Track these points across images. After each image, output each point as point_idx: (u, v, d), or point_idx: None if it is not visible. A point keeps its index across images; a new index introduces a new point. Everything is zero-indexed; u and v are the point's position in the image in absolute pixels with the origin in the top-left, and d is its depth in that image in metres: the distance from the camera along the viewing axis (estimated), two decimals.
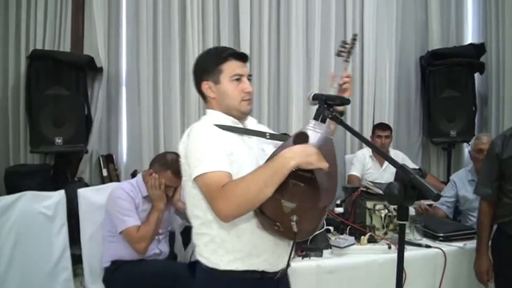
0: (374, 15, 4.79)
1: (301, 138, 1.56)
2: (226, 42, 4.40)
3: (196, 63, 1.78)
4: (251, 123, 1.82)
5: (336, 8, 4.75)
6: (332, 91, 1.75)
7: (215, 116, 1.72)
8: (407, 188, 1.23)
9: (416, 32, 5.06)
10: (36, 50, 3.88)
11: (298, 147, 1.50)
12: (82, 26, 4.17)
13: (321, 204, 1.49)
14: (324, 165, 1.46)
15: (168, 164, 2.82)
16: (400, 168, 1.26)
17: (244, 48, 4.41)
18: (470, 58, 4.69)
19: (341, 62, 1.88)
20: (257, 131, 1.74)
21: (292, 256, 1.66)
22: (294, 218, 1.46)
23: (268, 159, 1.53)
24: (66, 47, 4.09)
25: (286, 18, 4.58)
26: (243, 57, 1.73)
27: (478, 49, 4.72)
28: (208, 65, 1.71)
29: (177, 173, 2.80)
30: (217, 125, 1.64)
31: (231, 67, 1.68)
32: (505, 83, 4.64)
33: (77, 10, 4.13)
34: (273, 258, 1.63)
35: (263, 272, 1.63)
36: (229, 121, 1.70)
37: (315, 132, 1.55)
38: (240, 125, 1.71)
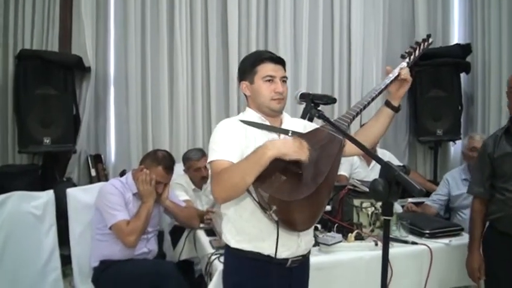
0: (361, 16, 4.83)
1: (305, 136, 1.69)
2: (214, 41, 4.42)
3: (239, 65, 1.98)
4: (287, 120, 1.94)
5: (324, 9, 4.77)
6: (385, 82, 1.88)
7: (247, 113, 1.90)
8: (392, 184, 1.26)
9: (402, 33, 5.10)
10: (24, 50, 3.88)
11: (280, 140, 1.67)
12: (70, 25, 4.16)
13: (293, 198, 1.55)
14: (303, 157, 1.56)
15: (159, 160, 2.86)
16: (385, 165, 1.29)
17: (232, 48, 4.44)
18: (456, 58, 4.75)
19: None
20: (280, 128, 1.86)
21: (304, 246, 1.83)
22: (273, 207, 1.56)
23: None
24: (54, 46, 4.09)
25: (274, 18, 4.59)
26: (278, 61, 1.89)
27: (464, 49, 4.77)
28: (247, 66, 1.90)
29: (168, 169, 2.84)
30: (242, 121, 1.84)
31: (265, 69, 1.84)
32: (490, 82, 4.69)
33: (65, 10, 4.13)
34: (277, 246, 1.74)
35: (269, 256, 1.76)
36: (257, 118, 1.86)
37: (325, 131, 1.68)
38: (267, 122, 1.86)
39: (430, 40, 2.09)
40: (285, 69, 1.91)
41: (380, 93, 1.90)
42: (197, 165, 3.47)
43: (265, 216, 1.70)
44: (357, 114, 1.85)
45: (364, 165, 3.73)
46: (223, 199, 1.74)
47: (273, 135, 1.83)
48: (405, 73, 1.89)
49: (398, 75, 1.89)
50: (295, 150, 1.56)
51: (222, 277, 1.96)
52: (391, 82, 1.90)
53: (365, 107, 1.87)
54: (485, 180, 2.48)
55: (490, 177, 2.46)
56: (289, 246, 1.79)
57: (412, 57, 1.99)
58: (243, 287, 1.86)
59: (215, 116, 4.49)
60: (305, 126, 1.93)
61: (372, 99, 1.88)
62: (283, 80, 1.87)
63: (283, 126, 1.89)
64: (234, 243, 1.84)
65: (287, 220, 1.64)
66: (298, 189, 1.56)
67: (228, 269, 1.92)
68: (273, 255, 1.75)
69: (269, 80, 1.83)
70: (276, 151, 1.56)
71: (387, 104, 1.94)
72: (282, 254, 1.78)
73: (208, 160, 1.77)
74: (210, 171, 1.80)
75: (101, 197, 2.79)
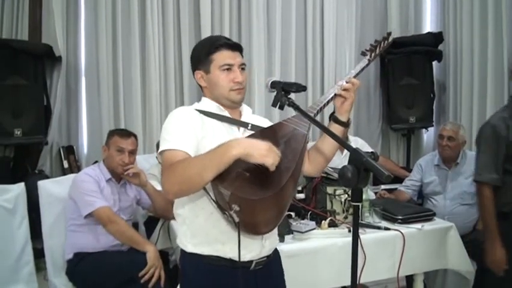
0: (334, 4, 4.83)
1: (268, 131, 1.62)
2: (186, 32, 4.37)
3: (191, 53, 1.83)
4: (247, 112, 1.83)
5: None
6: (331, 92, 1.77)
7: (204, 103, 1.78)
8: (360, 170, 1.27)
9: (375, 20, 5.14)
10: None
11: (247, 139, 1.51)
12: (40, 14, 4.06)
13: (258, 196, 1.44)
14: (268, 162, 1.42)
15: (111, 132, 2.97)
16: (353, 151, 1.30)
17: (205, 36, 4.40)
18: (429, 46, 4.80)
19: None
20: (240, 121, 1.76)
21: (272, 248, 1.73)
22: (235, 207, 1.44)
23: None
24: (24, 35, 3.99)
25: (247, 6, 4.56)
26: (235, 47, 1.75)
27: (436, 38, 4.83)
28: (201, 54, 1.75)
29: (121, 134, 2.91)
30: (198, 110, 1.70)
31: (222, 57, 1.71)
32: (462, 70, 4.76)
33: None
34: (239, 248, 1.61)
35: (231, 260, 1.64)
36: (215, 108, 1.74)
37: (288, 125, 1.60)
38: (226, 113, 1.74)
39: (390, 38, 2.01)
40: (242, 55, 1.78)
41: (321, 109, 1.75)
42: None
43: (223, 217, 1.58)
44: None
45: (338, 153, 3.76)
46: (175, 193, 1.58)
47: (233, 127, 1.73)
48: (347, 88, 1.75)
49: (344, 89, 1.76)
50: (262, 154, 1.41)
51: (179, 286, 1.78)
52: (333, 97, 1.77)
53: (314, 115, 1.69)
54: (499, 165, 2.38)
55: (505, 161, 2.35)
56: (253, 248, 1.67)
57: (373, 54, 1.93)
58: None
59: (188, 105, 4.45)
60: (265, 122, 1.84)
61: (320, 109, 1.74)
62: (242, 67, 1.75)
63: (243, 119, 1.78)
64: (190, 248, 1.68)
65: (250, 222, 1.52)
66: (262, 187, 1.45)
67: (187, 278, 1.74)
68: (236, 259, 1.61)
69: (227, 69, 1.71)
70: (241, 151, 1.41)
71: (335, 120, 1.79)
72: (245, 256, 1.65)
73: (160, 149, 1.61)
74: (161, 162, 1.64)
75: (75, 186, 2.77)
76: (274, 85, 1.69)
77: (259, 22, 4.58)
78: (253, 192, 1.44)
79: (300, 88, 1.66)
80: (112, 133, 2.93)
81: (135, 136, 2.93)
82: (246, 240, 1.61)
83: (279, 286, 1.86)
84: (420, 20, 5.24)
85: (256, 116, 1.90)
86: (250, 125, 1.73)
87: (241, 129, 1.74)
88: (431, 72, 4.91)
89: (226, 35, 4.43)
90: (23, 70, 3.76)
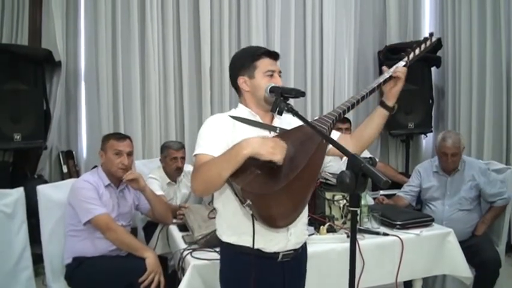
0: (333, 10, 4.87)
1: (289, 133, 1.74)
2: (186, 36, 4.40)
3: (232, 61, 1.96)
4: (286, 116, 1.91)
5: (296, 3, 4.81)
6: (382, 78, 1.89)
7: (238, 109, 1.93)
8: (358, 176, 1.27)
9: (374, 27, 5.17)
10: None
11: (257, 138, 1.63)
12: (40, 19, 4.10)
13: (263, 191, 1.56)
14: (276, 158, 1.57)
15: (105, 136, 2.96)
16: (351, 157, 1.30)
17: (204, 42, 4.43)
18: (427, 52, 4.80)
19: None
20: (268, 125, 1.87)
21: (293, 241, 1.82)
22: (248, 201, 1.57)
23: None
24: (23, 40, 4.01)
25: (246, 12, 4.60)
26: (274, 56, 1.91)
27: (435, 44, 4.84)
28: (245, 61, 1.89)
29: (117, 137, 2.90)
30: (231, 116, 1.85)
31: (265, 64, 1.86)
32: (461, 76, 4.78)
33: (34, 3, 4.06)
34: (265, 240, 1.77)
35: (259, 250, 1.76)
36: (247, 113, 1.88)
37: (308, 128, 1.67)
38: (257, 118, 1.87)
39: (433, 39, 2.09)
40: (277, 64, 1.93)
41: (371, 92, 1.90)
42: (174, 155, 3.51)
43: (242, 209, 1.71)
44: (345, 111, 1.85)
45: (337, 159, 3.76)
46: (201, 192, 1.82)
47: (264, 131, 1.85)
48: (399, 71, 1.90)
49: (391, 75, 1.90)
50: (269, 151, 1.57)
51: (219, 272, 1.94)
52: (385, 81, 1.90)
53: (353, 106, 1.86)
54: None
55: None
56: (278, 240, 1.79)
57: (411, 55, 1.99)
58: (235, 282, 1.84)
59: (188, 110, 4.48)
60: (294, 121, 1.89)
61: (363, 98, 1.88)
62: (279, 74, 1.90)
63: (275, 122, 1.90)
64: (225, 238, 1.85)
65: (265, 216, 1.64)
66: (270, 184, 1.57)
67: (222, 264, 1.92)
68: (265, 250, 1.77)
69: (270, 75, 1.85)
70: (251, 150, 1.57)
71: (382, 104, 1.95)
72: (272, 248, 1.79)
73: (194, 153, 1.80)
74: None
75: (74, 193, 2.76)
76: (273, 90, 1.73)
77: (258, 29, 4.61)
78: (262, 187, 1.57)
79: (299, 94, 1.71)
80: (107, 137, 2.93)
81: (130, 138, 2.95)
82: (271, 234, 1.76)
83: (301, 281, 1.98)
84: (418, 25, 5.28)
85: (286, 115, 1.94)
86: (278, 129, 1.85)
87: (272, 132, 1.85)
88: (429, 78, 4.93)
89: (225, 41, 4.46)
90: (23, 75, 3.78)
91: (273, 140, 1.64)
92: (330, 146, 1.86)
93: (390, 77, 1.91)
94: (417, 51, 2.02)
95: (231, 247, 1.82)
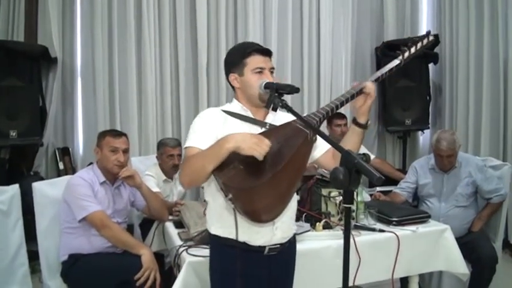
0: (330, 6, 4.86)
1: (275, 130, 1.75)
2: (182, 31, 4.39)
3: (225, 57, 1.97)
4: (272, 112, 1.91)
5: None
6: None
7: (231, 104, 1.95)
8: (352, 172, 1.27)
9: (371, 23, 5.16)
10: None
11: (242, 134, 1.67)
12: (36, 15, 4.08)
13: (243, 186, 1.59)
14: (256, 153, 1.59)
15: (101, 133, 2.96)
16: (345, 153, 1.30)
17: (201, 38, 4.42)
18: (425, 49, 4.80)
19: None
20: (258, 120, 1.88)
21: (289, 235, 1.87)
22: (229, 195, 1.61)
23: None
24: (19, 36, 3.99)
25: (243, 9, 4.58)
26: (266, 52, 1.90)
27: (432, 42, 4.84)
28: (235, 58, 1.90)
29: (113, 134, 2.89)
30: (223, 110, 1.88)
31: (255, 61, 1.85)
32: (458, 73, 4.77)
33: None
34: (250, 233, 1.79)
35: (245, 243, 1.79)
36: (239, 108, 1.90)
37: (294, 124, 1.70)
38: (249, 113, 1.89)
39: (430, 38, 2.05)
40: (271, 60, 1.92)
41: (342, 104, 1.80)
42: (171, 152, 3.52)
43: (226, 202, 1.73)
44: (322, 118, 1.77)
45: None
46: (187, 184, 1.82)
47: (255, 126, 1.85)
48: (369, 87, 1.81)
49: (361, 90, 1.81)
50: (250, 146, 1.59)
51: (209, 264, 1.96)
52: (354, 96, 1.82)
53: (328, 114, 1.78)
54: None
55: None
56: (264, 234, 1.81)
57: (406, 54, 1.97)
58: (223, 274, 1.87)
59: (184, 107, 4.47)
60: (285, 118, 1.89)
61: (337, 107, 1.80)
62: (271, 71, 1.88)
63: (268, 118, 1.90)
64: (213, 230, 1.87)
65: (247, 210, 1.67)
66: (251, 179, 1.60)
67: (211, 256, 1.95)
68: (250, 243, 1.79)
69: (259, 72, 1.84)
70: (233, 144, 1.60)
71: (354, 121, 1.90)
72: (257, 241, 1.81)
73: (183, 146, 1.83)
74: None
75: (69, 190, 2.76)
76: (268, 87, 1.72)
77: (255, 26, 4.60)
78: (243, 182, 1.60)
79: (294, 90, 1.70)
80: (103, 134, 2.92)
81: (126, 136, 2.94)
82: (256, 227, 1.78)
83: (289, 276, 2.00)
84: (416, 21, 5.26)
85: (280, 112, 1.94)
86: (268, 125, 1.86)
87: (263, 128, 1.86)
88: (427, 74, 4.93)
89: (222, 36, 4.45)
90: (19, 71, 3.77)
91: (257, 136, 1.66)
92: (319, 155, 1.93)
93: (360, 91, 1.82)
94: (412, 49, 1.99)
95: (218, 239, 1.85)
